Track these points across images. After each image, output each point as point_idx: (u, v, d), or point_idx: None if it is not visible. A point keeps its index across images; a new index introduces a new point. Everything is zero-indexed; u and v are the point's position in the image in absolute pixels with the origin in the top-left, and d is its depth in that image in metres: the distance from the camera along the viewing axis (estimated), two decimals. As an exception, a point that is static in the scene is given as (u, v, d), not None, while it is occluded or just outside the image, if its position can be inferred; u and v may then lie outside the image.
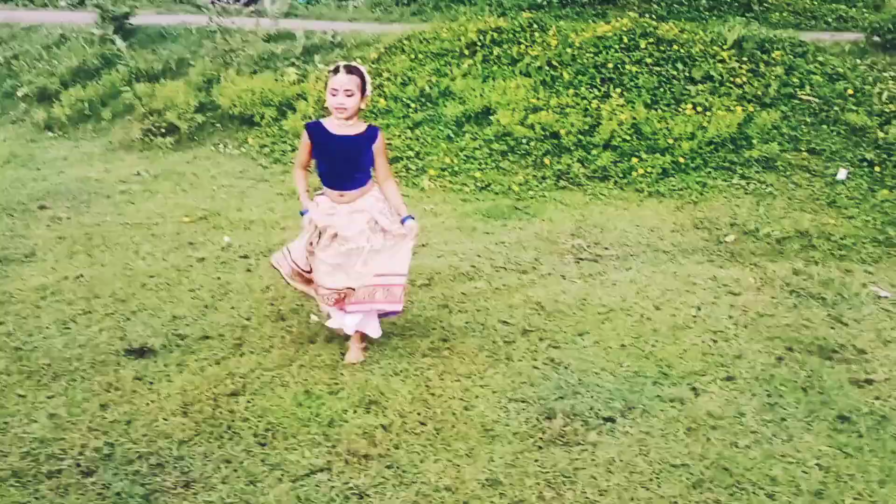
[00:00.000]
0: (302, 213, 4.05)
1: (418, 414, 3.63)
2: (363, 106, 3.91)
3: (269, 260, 4.21)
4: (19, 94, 10.87)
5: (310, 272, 4.09)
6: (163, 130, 9.30)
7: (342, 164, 3.93)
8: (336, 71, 3.82)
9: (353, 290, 3.96)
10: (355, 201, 3.96)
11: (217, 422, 3.51)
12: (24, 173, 8.14)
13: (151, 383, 3.84)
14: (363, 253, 3.92)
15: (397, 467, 3.23)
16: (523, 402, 3.76)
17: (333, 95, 3.82)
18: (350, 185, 3.96)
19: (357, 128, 3.92)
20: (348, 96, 3.80)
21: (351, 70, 3.83)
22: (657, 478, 3.18)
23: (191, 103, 9.53)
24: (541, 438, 3.45)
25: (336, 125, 3.89)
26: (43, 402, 3.65)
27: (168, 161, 8.64)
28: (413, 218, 3.99)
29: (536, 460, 3.29)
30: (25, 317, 4.60)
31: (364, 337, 4.21)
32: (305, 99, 9.30)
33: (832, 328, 4.73)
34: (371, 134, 3.93)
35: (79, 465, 3.17)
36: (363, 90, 3.85)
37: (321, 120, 3.97)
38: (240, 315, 4.68)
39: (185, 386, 3.81)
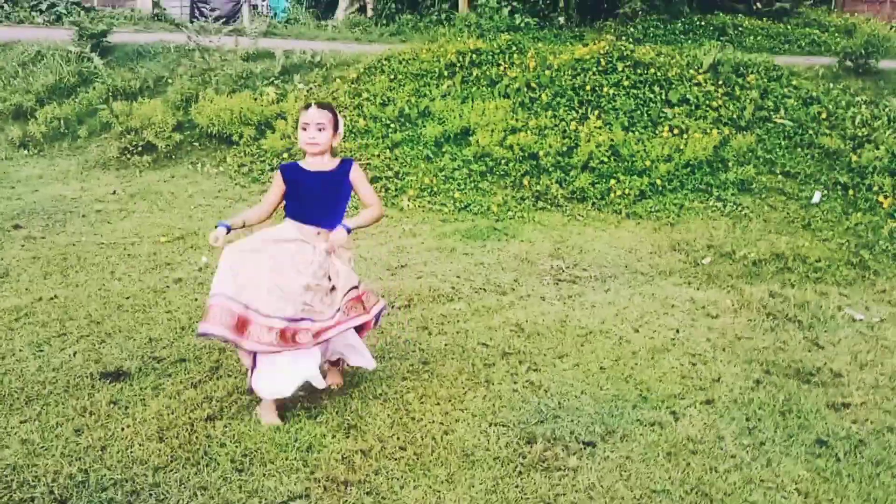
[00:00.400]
0: (218, 226, 3.71)
1: (398, 439, 3.60)
2: (335, 144, 3.82)
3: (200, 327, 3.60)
4: (-6, 111, 10.76)
5: (244, 307, 3.55)
6: (140, 149, 9.25)
7: (316, 200, 3.77)
8: (307, 107, 3.77)
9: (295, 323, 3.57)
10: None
11: (193, 447, 3.46)
12: (-3, 191, 8.04)
13: (127, 407, 3.78)
14: (322, 291, 3.68)
15: (377, 493, 3.19)
16: (503, 426, 3.75)
17: (304, 130, 3.74)
18: (329, 222, 3.75)
19: (331, 164, 3.82)
20: (320, 130, 3.73)
21: (322, 105, 3.78)
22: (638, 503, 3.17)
23: (168, 122, 9.48)
24: (521, 464, 3.43)
25: (310, 163, 3.81)
26: (15, 426, 3.58)
27: (145, 180, 8.58)
28: (347, 229, 3.65)
29: (517, 486, 3.27)
30: (-2, 339, 4.52)
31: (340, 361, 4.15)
32: (284, 118, 9.29)
33: (809, 351, 4.76)
34: (345, 168, 3.83)
35: (52, 493, 3.10)
36: (335, 126, 3.78)
37: (297, 161, 3.89)
38: (217, 337, 4.63)
39: (161, 410, 3.75)
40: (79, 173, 8.88)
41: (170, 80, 10.70)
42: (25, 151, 9.81)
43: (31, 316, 4.86)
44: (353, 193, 3.90)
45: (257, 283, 3.55)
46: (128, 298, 5.21)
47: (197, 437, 3.53)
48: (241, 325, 3.52)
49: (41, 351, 4.38)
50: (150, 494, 3.12)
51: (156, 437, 3.52)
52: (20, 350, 4.38)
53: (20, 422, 3.63)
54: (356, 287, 3.83)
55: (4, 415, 3.68)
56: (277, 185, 3.84)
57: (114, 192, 8.05)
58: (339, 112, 4.01)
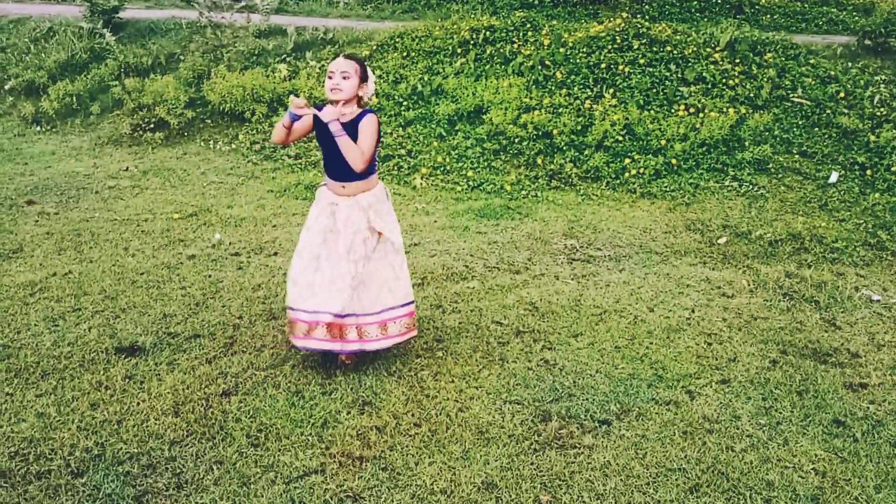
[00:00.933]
0: (291, 115, 3.75)
1: (412, 415, 3.60)
2: (362, 94, 3.80)
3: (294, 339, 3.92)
4: (6, 87, 10.76)
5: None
6: (152, 126, 9.23)
7: (332, 151, 3.77)
8: (335, 58, 3.81)
9: (343, 319, 3.84)
10: (357, 196, 3.85)
11: (209, 422, 3.47)
12: (10, 168, 8.05)
13: (142, 382, 3.79)
14: (357, 266, 3.83)
15: (392, 469, 3.19)
16: (518, 403, 3.74)
17: (330, 78, 3.74)
18: (350, 175, 3.79)
19: (352, 115, 3.77)
20: (344, 78, 3.71)
21: (349, 56, 3.79)
22: (654, 482, 3.16)
23: (181, 99, 9.45)
24: (536, 441, 3.42)
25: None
26: (31, 400, 3.60)
27: (157, 157, 8.57)
28: (337, 123, 3.66)
29: (532, 463, 3.26)
30: (13, 314, 4.53)
31: None
32: (297, 95, 9.24)
33: (826, 332, 4.73)
34: (361, 117, 3.76)
35: (69, 466, 3.12)
36: (362, 77, 3.77)
37: (327, 105, 3.78)
38: (231, 314, 4.63)
39: (177, 385, 3.75)
40: (91, 150, 8.88)
41: (182, 57, 10.65)
42: (38, 128, 9.81)
43: (45, 291, 4.87)
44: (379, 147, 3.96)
45: (310, 284, 3.83)
46: (142, 274, 5.21)
47: (212, 412, 3.53)
48: (311, 329, 3.84)
49: (56, 326, 4.39)
50: (167, 468, 3.13)
51: (171, 411, 3.53)
52: (35, 325, 4.39)
53: (36, 396, 3.64)
54: (411, 303, 4.05)
55: (21, 388, 3.70)
56: (308, 118, 3.89)
57: (126, 169, 8.05)
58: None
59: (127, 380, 3.81)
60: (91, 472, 3.09)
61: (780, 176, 7.70)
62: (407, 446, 3.35)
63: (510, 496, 3.05)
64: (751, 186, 7.51)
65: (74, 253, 5.59)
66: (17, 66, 11.13)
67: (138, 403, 3.59)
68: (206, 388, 3.74)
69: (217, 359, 4.05)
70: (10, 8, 13.89)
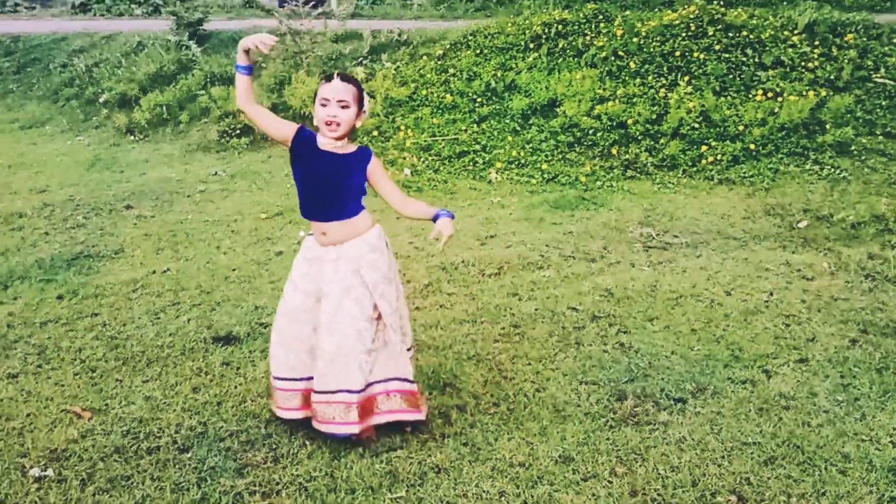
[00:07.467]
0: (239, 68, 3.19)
1: (491, 396, 3.75)
2: (359, 124, 3.22)
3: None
4: (101, 100, 11.38)
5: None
6: (238, 132, 9.63)
7: (323, 186, 3.23)
8: (328, 79, 3.15)
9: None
10: (342, 244, 3.28)
11: (300, 403, 3.68)
12: (108, 175, 8.55)
13: (238, 368, 4.05)
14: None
15: (472, 445, 3.34)
16: (594, 384, 3.84)
17: (324, 106, 3.12)
18: (333, 214, 3.25)
19: (348, 149, 3.24)
20: (343, 108, 3.12)
21: (346, 78, 3.16)
22: (729, 455, 3.23)
23: (264, 105, 9.79)
24: (612, 418, 3.52)
25: (324, 143, 3.21)
26: (139, 385, 3.90)
27: (243, 161, 8.95)
28: (449, 215, 3.29)
29: (608, 439, 3.37)
30: (118, 308, 4.88)
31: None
32: (373, 97, 9.50)
33: (909, 311, 4.66)
34: (363, 154, 3.27)
35: (175, 442, 3.38)
36: (360, 103, 3.19)
37: (315, 133, 3.26)
38: (318, 304, 4.86)
39: (270, 370, 3.99)
40: (182, 156, 9.33)
41: (263, 65, 11.05)
42: (131, 137, 10.35)
43: (146, 287, 5.22)
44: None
45: (309, 351, 3.38)
46: (234, 270, 5.52)
47: (303, 394, 3.75)
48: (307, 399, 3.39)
49: (158, 318, 4.71)
50: (264, 444, 3.36)
51: (266, 393, 3.77)
52: (139, 318, 4.72)
53: (143, 381, 3.94)
54: (410, 381, 3.40)
55: (129, 375, 4.00)
56: (287, 129, 3.24)
57: (215, 174, 8.44)
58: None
59: (224, 366, 4.08)
60: (196, 447, 3.34)
61: (862, 158, 7.54)
62: (486, 424, 3.50)
63: (587, 468, 3.16)
64: (832, 169, 7.39)
65: (171, 252, 5.95)
66: (111, 80, 11.76)
67: (236, 387, 3.85)
68: (297, 373, 3.96)
69: (306, 346, 4.28)
70: (101, 24, 14.66)
